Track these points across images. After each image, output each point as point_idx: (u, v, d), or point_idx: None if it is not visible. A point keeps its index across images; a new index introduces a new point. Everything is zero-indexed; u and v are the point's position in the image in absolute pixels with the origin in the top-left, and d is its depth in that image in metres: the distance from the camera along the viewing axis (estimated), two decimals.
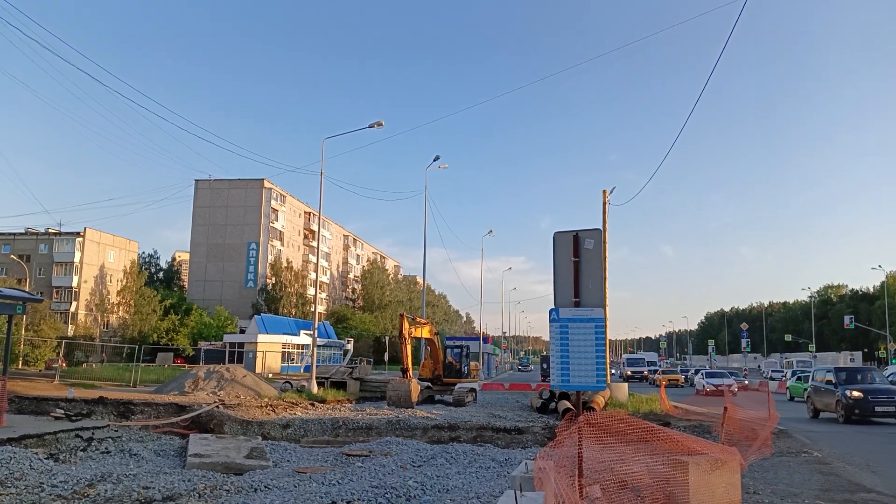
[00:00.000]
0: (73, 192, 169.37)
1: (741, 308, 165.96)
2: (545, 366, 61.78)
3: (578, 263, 7.18)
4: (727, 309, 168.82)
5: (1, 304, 15.95)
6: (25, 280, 61.11)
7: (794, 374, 40.01)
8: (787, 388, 35.66)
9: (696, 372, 54.45)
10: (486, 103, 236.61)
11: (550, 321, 7.16)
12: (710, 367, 79.56)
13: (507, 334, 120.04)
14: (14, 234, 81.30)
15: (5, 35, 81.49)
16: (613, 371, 63.93)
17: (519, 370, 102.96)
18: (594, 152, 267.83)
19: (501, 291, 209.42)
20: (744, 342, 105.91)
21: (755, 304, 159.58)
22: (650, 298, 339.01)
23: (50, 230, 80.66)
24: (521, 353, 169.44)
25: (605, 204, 26.28)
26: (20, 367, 40.97)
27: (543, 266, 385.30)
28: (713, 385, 36.38)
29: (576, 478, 6.89)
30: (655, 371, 60.27)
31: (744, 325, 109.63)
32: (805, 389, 27.80)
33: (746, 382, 43.38)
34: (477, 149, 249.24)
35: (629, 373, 63.48)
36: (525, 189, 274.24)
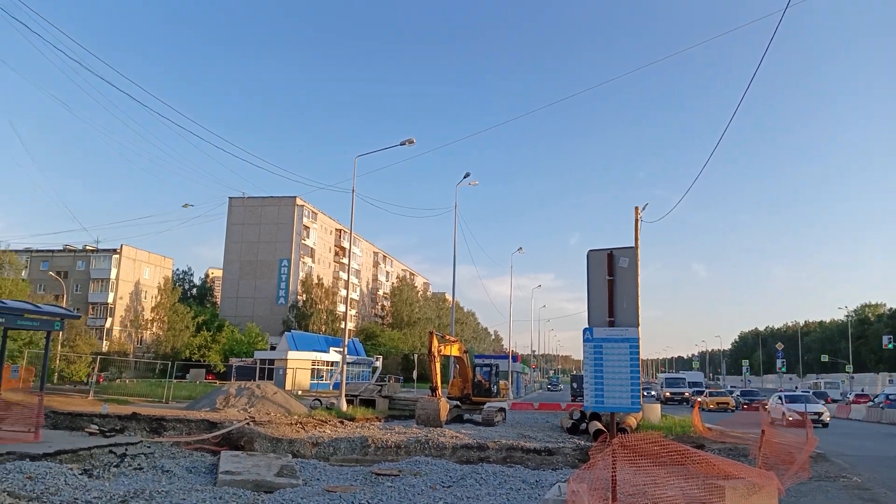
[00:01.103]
0: (111, 210, 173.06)
1: (776, 327, 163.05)
2: (576, 385, 60.88)
3: (613, 282, 7.10)
4: (762, 328, 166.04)
5: (40, 321, 16.22)
6: (62, 296, 62.26)
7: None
8: None
9: (744, 394, 49.43)
10: (517, 120, 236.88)
11: (584, 341, 7.08)
12: (744, 387, 77.25)
13: (536, 353, 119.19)
14: (52, 251, 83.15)
15: (48, 57, 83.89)
16: (653, 392, 61.61)
17: (548, 389, 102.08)
18: (623, 169, 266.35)
19: (531, 309, 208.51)
20: (779, 362, 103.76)
21: (790, 324, 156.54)
22: (682, 317, 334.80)
23: (87, 247, 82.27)
24: (551, 373, 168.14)
25: (637, 221, 26.02)
26: (56, 382, 41.68)
27: (573, 283, 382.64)
28: (795, 412, 28.14)
29: (609, 501, 6.76)
30: (701, 392, 53.28)
31: (779, 345, 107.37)
32: None
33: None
34: (507, 165, 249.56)
35: (668, 394, 57.38)
36: (554, 205, 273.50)
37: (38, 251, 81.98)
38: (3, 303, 15.62)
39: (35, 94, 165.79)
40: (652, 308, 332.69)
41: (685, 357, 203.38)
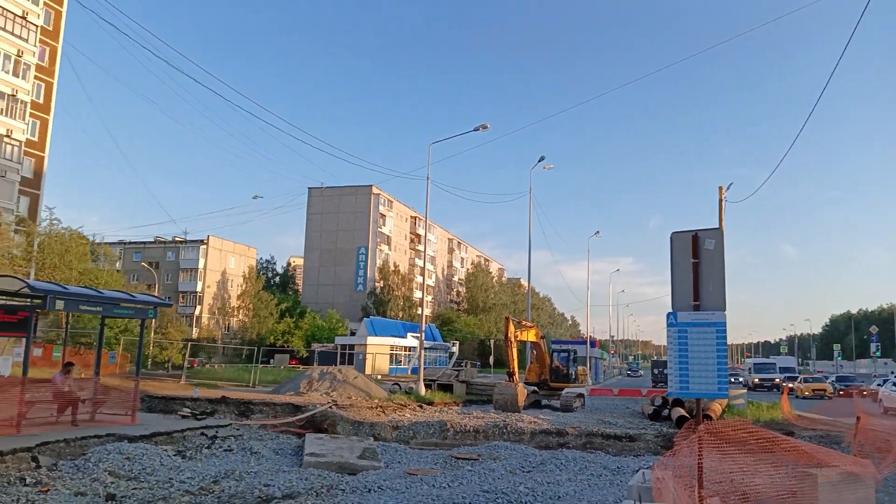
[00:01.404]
0: (197, 202, 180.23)
1: (870, 310, 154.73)
2: (657, 371, 59.57)
3: (698, 265, 6.87)
4: (854, 311, 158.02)
5: (135, 310, 17.00)
6: (154, 286, 65.25)
7: None
8: None
9: (839, 379, 45.05)
10: (592, 101, 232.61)
11: (668, 325, 6.90)
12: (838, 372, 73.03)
13: (615, 338, 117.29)
14: (144, 243, 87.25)
15: (137, 57, 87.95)
16: (741, 379, 58.83)
17: (628, 375, 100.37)
18: (706, 148, 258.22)
19: (609, 294, 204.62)
20: (873, 346, 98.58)
21: (885, 305, 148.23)
22: (768, 301, 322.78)
23: (177, 239, 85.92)
24: (631, 358, 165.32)
25: (721, 201, 25.10)
26: (149, 367, 43.80)
27: (653, 267, 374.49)
28: None
29: (696, 489, 6.61)
30: (794, 378, 49.42)
31: (873, 329, 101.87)
32: None
33: None
34: (583, 148, 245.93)
35: (757, 380, 53.94)
36: (633, 188, 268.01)
37: (130, 243, 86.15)
38: (100, 293, 16.42)
39: (124, 93, 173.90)
40: (737, 292, 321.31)
41: (772, 342, 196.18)
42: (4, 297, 14.69)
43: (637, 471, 10.12)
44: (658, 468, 7.70)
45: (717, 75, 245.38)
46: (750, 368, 62.21)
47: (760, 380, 54.35)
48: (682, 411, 21.27)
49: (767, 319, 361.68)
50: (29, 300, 14.53)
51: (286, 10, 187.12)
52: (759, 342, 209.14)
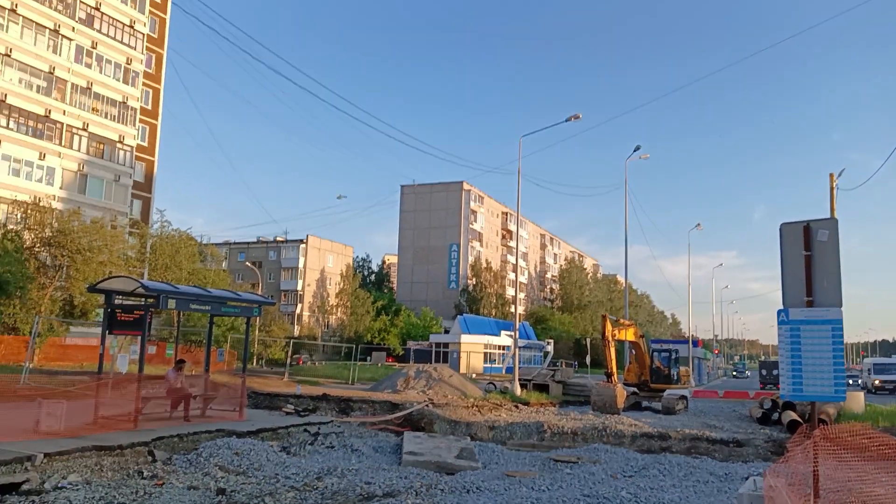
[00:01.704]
0: (296, 201, 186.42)
1: None
2: (765, 372, 56.89)
3: (811, 258, 6.47)
4: None
5: (241, 308, 17.67)
6: (258, 285, 67.98)
7: None
8: None
9: None
10: (690, 86, 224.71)
11: (779, 323, 6.55)
12: None
13: (718, 337, 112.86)
14: (248, 243, 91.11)
15: (238, 62, 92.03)
16: (860, 380, 54.90)
17: (734, 376, 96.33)
18: (813, 132, 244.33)
19: (712, 290, 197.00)
20: None
21: None
22: (886, 295, 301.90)
23: (278, 238, 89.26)
24: (736, 358, 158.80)
25: (832, 189, 23.61)
26: (254, 364, 45.62)
27: (759, 261, 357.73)
28: None
29: (811, 497, 6.27)
30: None
31: None
32: None
33: None
34: (681, 137, 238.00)
35: (878, 382, 50.71)
36: (735, 177, 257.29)
37: (235, 243, 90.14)
38: (209, 292, 17.14)
39: (227, 98, 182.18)
40: (850, 285, 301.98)
41: (890, 340, 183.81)
42: (121, 297, 15.57)
43: (747, 478, 9.68)
44: (770, 475, 7.36)
45: (825, 58, 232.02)
46: (869, 369, 57.19)
47: (882, 381, 50.48)
48: (794, 415, 20.22)
49: (884, 316, 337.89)
50: (143, 300, 15.32)
51: (372, 7, 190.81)
52: (875, 341, 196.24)
